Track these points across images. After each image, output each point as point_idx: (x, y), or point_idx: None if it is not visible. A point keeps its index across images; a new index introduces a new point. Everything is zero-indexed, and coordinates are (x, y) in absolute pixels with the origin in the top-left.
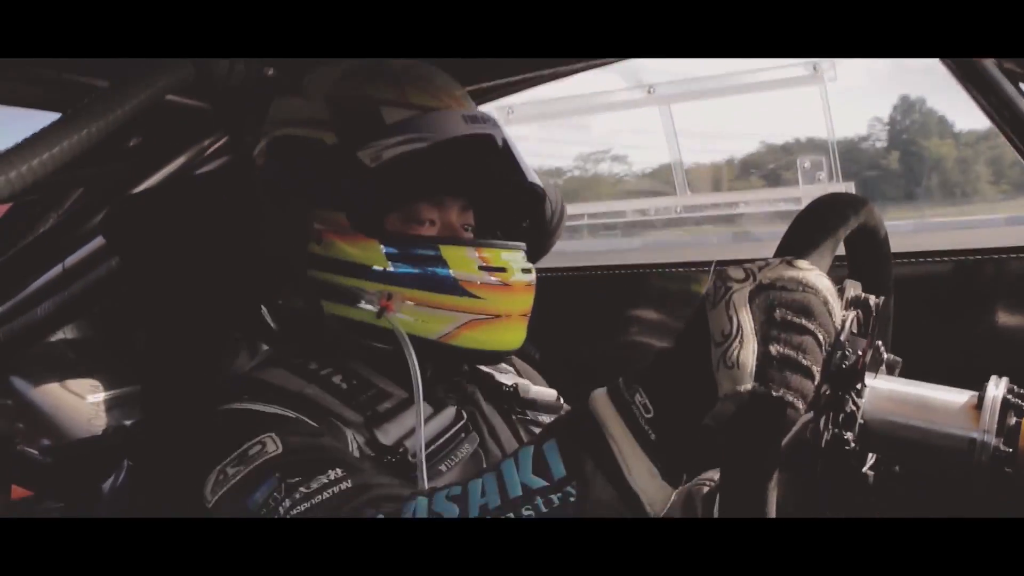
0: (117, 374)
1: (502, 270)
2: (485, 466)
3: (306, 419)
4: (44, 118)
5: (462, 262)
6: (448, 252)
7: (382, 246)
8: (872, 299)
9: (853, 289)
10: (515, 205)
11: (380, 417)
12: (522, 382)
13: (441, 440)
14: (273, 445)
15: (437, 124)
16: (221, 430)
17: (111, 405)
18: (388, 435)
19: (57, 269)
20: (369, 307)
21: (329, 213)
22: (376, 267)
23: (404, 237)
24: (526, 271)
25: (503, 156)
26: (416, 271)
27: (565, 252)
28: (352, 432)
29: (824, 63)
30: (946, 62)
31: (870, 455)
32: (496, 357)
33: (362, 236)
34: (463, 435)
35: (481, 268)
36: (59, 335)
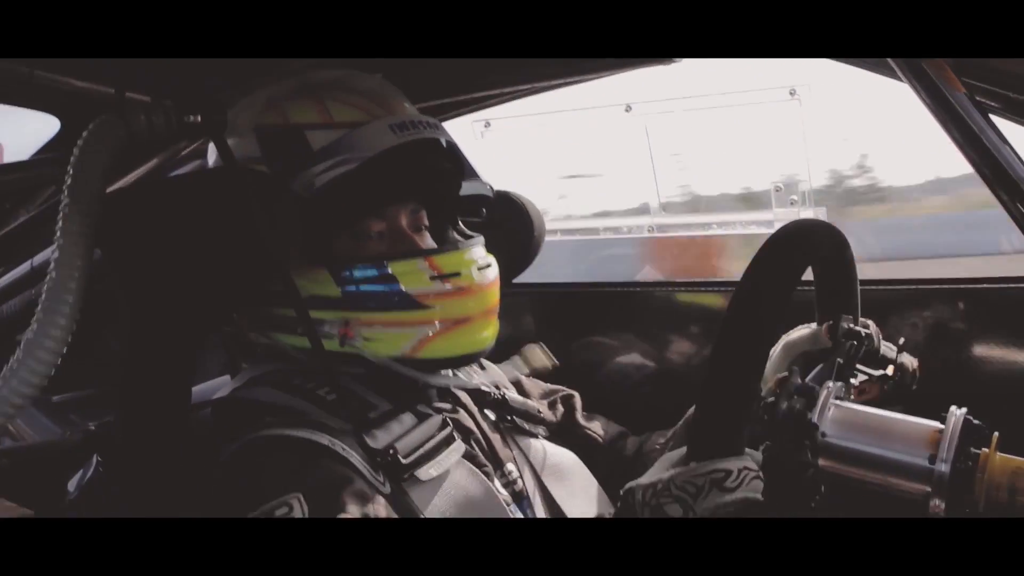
0: (81, 374)
1: (456, 275)
2: (472, 472)
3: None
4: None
5: (413, 276)
6: (397, 268)
7: (331, 273)
8: (864, 330)
9: (846, 322)
10: (466, 201)
11: (369, 424)
12: (509, 392)
13: (428, 446)
14: (300, 511)
15: (364, 140)
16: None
17: (75, 406)
18: (377, 440)
19: (25, 267)
20: (329, 337)
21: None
22: (329, 295)
23: (351, 260)
24: (484, 267)
25: (444, 155)
26: (369, 292)
27: None
28: (341, 440)
29: (801, 87)
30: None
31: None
32: (468, 360)
33: (311, 266)
34: (451, 442)
35: (433, 278)
36: (24, 335)
